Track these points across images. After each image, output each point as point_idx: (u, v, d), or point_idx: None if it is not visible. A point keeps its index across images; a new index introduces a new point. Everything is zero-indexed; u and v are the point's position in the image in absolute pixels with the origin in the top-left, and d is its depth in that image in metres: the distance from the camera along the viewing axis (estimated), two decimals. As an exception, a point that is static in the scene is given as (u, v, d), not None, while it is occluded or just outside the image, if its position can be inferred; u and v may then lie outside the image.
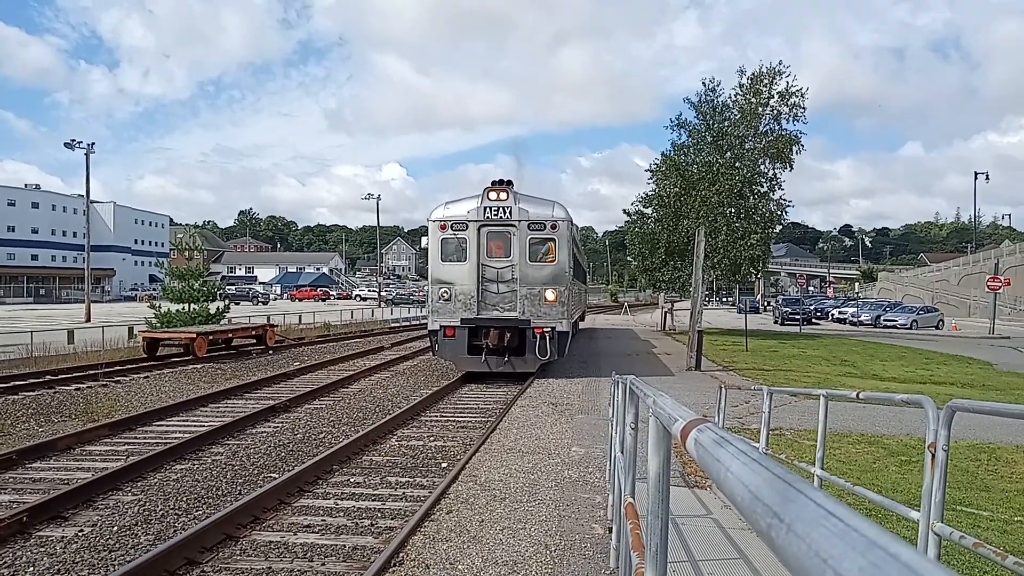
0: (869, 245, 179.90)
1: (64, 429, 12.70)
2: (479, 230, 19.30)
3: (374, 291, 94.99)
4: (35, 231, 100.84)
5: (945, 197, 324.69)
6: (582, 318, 37.33)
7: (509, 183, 19.81)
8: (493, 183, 19.78)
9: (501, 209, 19.28)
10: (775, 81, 36.78)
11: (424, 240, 21.18)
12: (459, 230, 19.41)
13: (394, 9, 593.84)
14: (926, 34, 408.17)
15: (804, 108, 36.90)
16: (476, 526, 7.35)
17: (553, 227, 19.22)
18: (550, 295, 18.97)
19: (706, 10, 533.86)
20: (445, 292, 19.26)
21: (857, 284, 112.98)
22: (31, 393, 16.42)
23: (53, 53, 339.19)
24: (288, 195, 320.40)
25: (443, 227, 19.53)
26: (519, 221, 19.21)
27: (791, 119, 37.16)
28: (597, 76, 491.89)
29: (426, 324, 20.29)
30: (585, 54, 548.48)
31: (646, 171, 38.90)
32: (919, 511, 4.57)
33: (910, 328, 50.00)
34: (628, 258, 55.14)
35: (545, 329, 18.83)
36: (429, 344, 20.64)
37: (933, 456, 4.35)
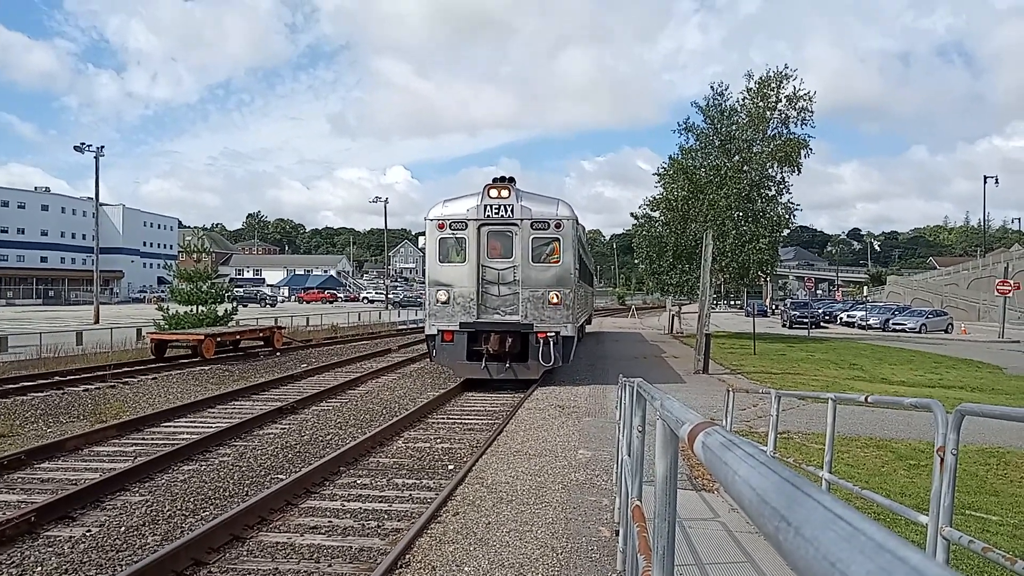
0: (878, 249, 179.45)
1: (72, 430, 12.74)
2: (479, 229, 18.39)
3: (381, 293, 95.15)
4: (44, 233, 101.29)
5: (953, 201, 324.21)
6: (588, 321, 37.05)
7: (511, 180, 18.87)
8: (494, 180, 18.81)
9: (502, 207, 18.34)
10: (783, 85, 36.79)
11: (421, 240, 20.82)
12: (458, 229, 18.48)
13: (397, 14, 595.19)
14: (931, 39, 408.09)
15: (812, 112, 36.91)
16: (482, 528, 7.35)
17: (557, 226, 18.28)
18: (554, 298, 18.04)
19: (708, 14, 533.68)
20: (443, 294, 18.36)
21: (866, 288, 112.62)
22: (40, 394, 16.51)
23: (62, 57, 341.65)
24: (294, 198, 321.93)
25: (441, 226, 18.59)
26: (521, 220, 18.25)
27: (799, 123, 37.15)
28: (599, 80, 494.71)
29: None
30: (587, 58, 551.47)
31: (654, 175, 38.92)
32: (928, 515, 4.55)
33: (919, 332, 49.79)
34: (635, 261, 55.08)
35: (549, 334, 17.86)
36: (427, 349, 19.84)
37: (942, 460, 4.33)
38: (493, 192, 18.48)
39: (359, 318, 51.26)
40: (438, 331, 18.44)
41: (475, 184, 18.50)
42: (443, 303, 18.38)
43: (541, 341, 17.85)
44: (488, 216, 18.41)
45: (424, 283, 19.45)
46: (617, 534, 6.38)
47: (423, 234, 19.96)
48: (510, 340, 18.08)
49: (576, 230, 19.16)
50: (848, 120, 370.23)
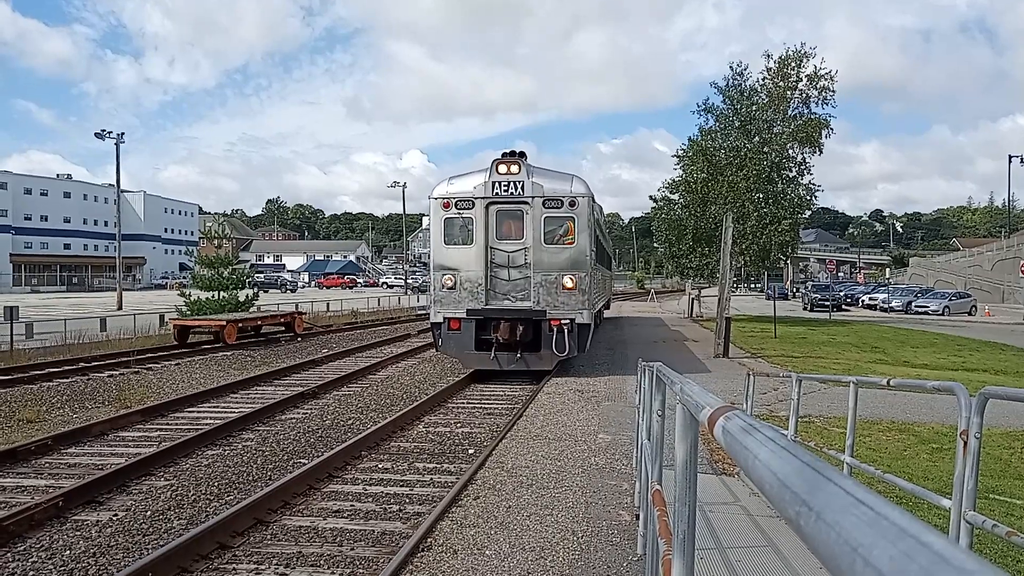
0: (900, 230, 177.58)
1: (98, 415, 12.92)
2: (487, 208, 17.07)
3: (400, 278, 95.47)
4: (67, 220, 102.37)
5: (977, 181, 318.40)
6: (607, 306, 36.58)
7: (522, 154, 17.42)
8: (504, 154, 17.35)
9: (512, 184, 16.94)
10: (803, 64, 36.32)
11: (426, 220, 19.68)
12: (464, 208, 17.11)
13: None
14: (952, 15, 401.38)
15: (833, 91, 36.40)
16: (503, 512, 7.38)
17: (572, 204, 16.90)
18: (568, 282, 16.74)
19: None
20: (449, 279, 17.10)
21: (888, 270, 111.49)
22: (65, 380, 16.73)
23: (80, 43, 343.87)
24: (311, 183, 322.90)
25: (446, 205, 17.24)
26: (533, 197, 16.88)
27: (820, 102, 36.68)
28: (614, 61, 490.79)
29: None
30: (602, 39, 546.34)
31: (672, 156, 38.57)
32: (951, 499, 4.53)
33: (942, 314, 49.26)
34: (654, 245, 54.83)
35: (563, 321, 16.60)
36: (432, 339, 18.64)
37: (965, 444, 4.30)
38: (502, 168, 17.14)
39: (378, 303, 51.54)
40: (444, 319, 17.24)
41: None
42: (449, 288, 17.18)
43: (555, 329, 16.63)
44: (497, 194, 17.08)
45: (429, 267, 18.25)
46: (637, 518, 6.40)
47: (427, 214, 18.46)
48: (521, 328, 16.84)
49: (592, 208, 17.86)
50: (868, 99, 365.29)
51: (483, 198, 17.10)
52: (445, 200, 17.32)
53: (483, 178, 17.21)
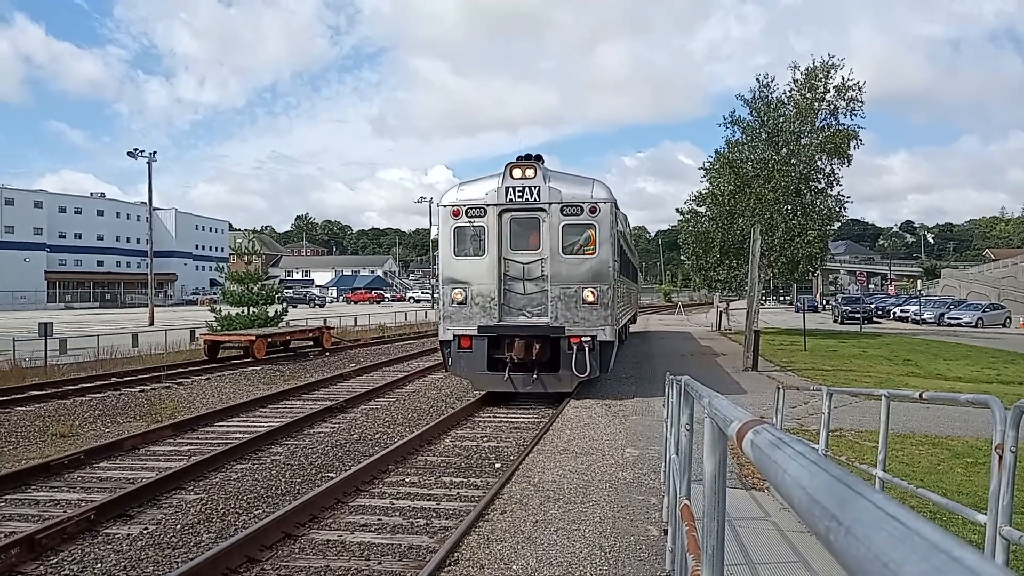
0: (931, 241, 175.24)
1: (129, 430, 13.07)
2: (500, 216, 15.82)
3: (427, 293, 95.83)
4: (100, 238, 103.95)
5: (1008, 191, 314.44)
6: (633, 320, 36.11)
7: (538, 158, 16.22)
8: (518, 158, 16.12)
9: (527, 189, 15.68)
10: (831, 75, 36.09)
11: (434, 231, 18.27)
12: (476, 216, 15.89)
13: (435, 13, 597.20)
14: (980, 24, 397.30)
15: (862, 102, 36.12)
16: (530, 527, 7.35)
17: (592, 210, 15.55)
18: (590, 296, 15.41)
19: (747, 4, 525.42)
20: (459, 293, 15.86)
21: (919, 281, 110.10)
22: (98, 395, 16.96)
23: (112, 64, 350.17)
24: (338, 200, 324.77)
25: (456, 213, 16.01)
26: (550, 204, 15.59)
27: (848, 113, 36.40)
28: (638, 73, 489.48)
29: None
30: (625, 51, 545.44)
31: (699, 169, 38.47)
32: (986, 514, 4.44)
33: (975, 326, 48.52)
34: (682, 257, 54.57)
35: (584, 339, 15.22)
36: (441, 358, 17.43)
37: (1000, 458, 4.23)
38: (516, 172, 15.83)
39: (406, 318, 51.74)
40: (454, 336, 15.97)
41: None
42: (459, 303, 15.89)
43: (574, 347, 15.26)
44: (511, 200, 15.77)
45: (438, 280, 17.03)
46: (666, 533, 6.34)
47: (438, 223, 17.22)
48: (537, 346, 15.45)
49: (615, 215, 16.40)
50: (895, 109, 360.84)
51: (496, 205, 15.86)
52: (455, 208, 16.11)
53: (496, 183, 15.95)
